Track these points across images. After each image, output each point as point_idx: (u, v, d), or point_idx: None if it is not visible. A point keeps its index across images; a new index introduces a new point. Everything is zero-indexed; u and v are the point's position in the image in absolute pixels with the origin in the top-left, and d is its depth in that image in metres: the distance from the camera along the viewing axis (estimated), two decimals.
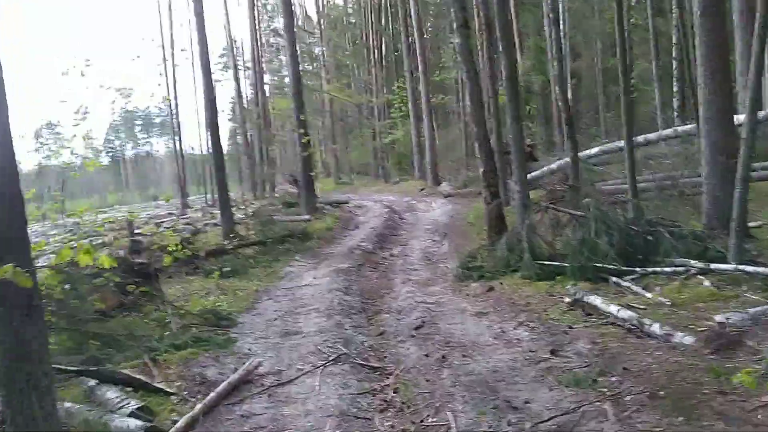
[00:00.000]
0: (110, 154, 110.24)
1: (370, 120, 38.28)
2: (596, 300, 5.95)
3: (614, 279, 6.90)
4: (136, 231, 13.18)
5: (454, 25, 9.84)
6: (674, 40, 23.40)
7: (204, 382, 5.26)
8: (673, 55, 23.37)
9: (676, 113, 22.38)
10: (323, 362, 5.70)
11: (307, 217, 17.65)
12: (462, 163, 26.17)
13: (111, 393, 4.89)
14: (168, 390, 5.02)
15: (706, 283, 6.12)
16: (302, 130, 18.94)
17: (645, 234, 7.39)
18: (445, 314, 7.11)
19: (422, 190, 26.31)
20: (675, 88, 23.08)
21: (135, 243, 12.00)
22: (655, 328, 5.01)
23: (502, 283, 8.02)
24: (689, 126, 14.21)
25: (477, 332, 6.23)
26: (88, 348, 6.63)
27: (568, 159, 20.23)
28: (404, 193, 27.17)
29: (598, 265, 7.06)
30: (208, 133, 15.79)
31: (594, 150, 17.04)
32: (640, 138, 14.23)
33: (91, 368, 5.22)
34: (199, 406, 4.48)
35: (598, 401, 4.09)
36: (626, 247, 7.23)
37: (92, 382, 5.17)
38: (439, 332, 6.36)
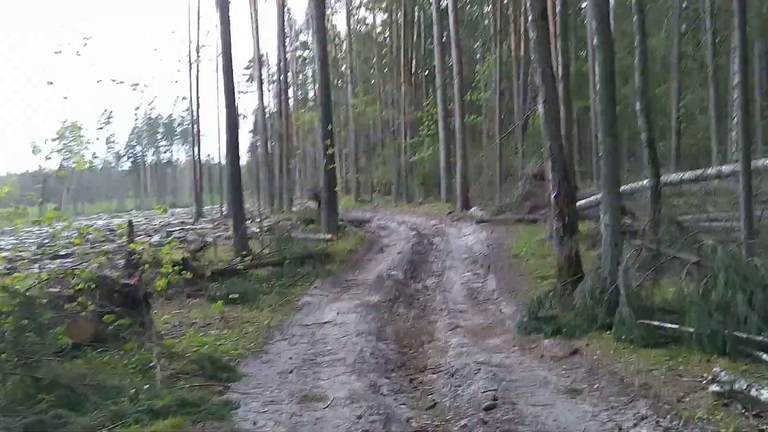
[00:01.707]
0: (131, 159, 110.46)
1: (396, 137, 36.61)
2: None
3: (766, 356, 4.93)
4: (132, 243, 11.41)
5: (529, 18, 8.08)
6: (736, 68, 21.64)
7: None
8: (734, 83, 21.55)
9: (734, 147, 20.52)
10: None
11: (328, 236, 15.87)
12: (495, 187, 24.30)
13: None
14: None
15: None
16: (328, 141, 17.26)
17: None
18: (522, 387, 5.23)
19: (450, 213, 24.56)
20: (735, 120, 21.23)
21: (131, 257, 10.30)
22: None
23: (588, 345, 6.09)
24: None
25: (579, 425, 4.33)
26: (39, 403, 4.93)
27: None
28: (430, 215, 25.40)
29: (739, 334, 5.11)
30: (227, 139, 14.15)
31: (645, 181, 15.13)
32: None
33: None
34: None
35: None
36: None
37: None
38: (522, 419, 4.47)
